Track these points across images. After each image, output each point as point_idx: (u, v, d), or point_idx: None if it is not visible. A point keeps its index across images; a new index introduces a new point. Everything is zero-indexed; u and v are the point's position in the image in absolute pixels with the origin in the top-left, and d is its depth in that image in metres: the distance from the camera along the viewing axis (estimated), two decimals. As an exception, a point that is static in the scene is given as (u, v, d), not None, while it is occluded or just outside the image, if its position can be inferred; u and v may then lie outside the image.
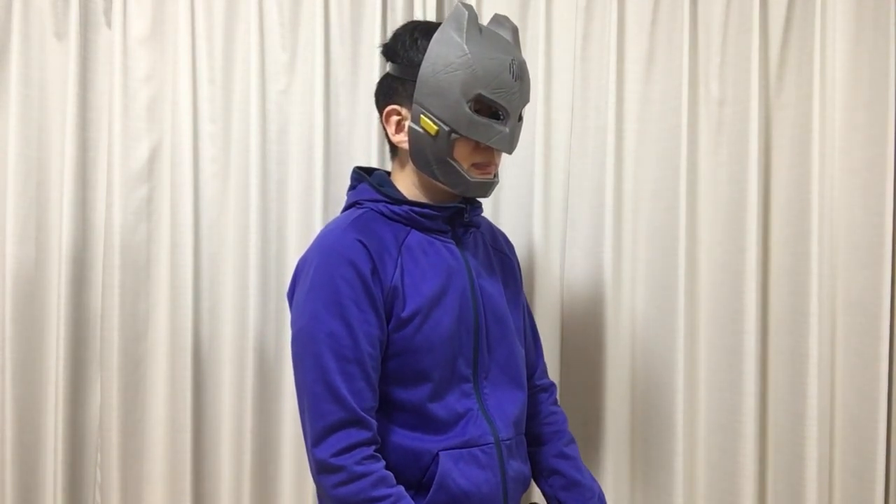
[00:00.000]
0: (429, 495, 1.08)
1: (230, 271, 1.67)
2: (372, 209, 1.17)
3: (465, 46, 1.09)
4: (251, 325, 1.65)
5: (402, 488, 1.06)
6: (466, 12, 1.10)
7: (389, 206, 1.16)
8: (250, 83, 1.65)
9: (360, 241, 1.10)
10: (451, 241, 1.19)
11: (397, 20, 1.67)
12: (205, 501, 1.68)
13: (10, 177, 1.63)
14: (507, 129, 1.12)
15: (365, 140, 1.67)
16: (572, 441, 1.31)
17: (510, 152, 1.15)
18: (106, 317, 1.64)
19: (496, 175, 1.18)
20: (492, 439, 1.14)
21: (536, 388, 1.33)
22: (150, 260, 1.68)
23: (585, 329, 1.66)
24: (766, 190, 1.66)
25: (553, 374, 1.63)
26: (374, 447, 1.06)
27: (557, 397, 1.37)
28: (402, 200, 1.17)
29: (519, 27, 1.65)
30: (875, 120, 1.61)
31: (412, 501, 1.05)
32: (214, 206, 1.68)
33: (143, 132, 1.67)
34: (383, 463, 1.06)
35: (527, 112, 1.65)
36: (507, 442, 1.16)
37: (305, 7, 1.67)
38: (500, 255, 1.31)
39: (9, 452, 1.63)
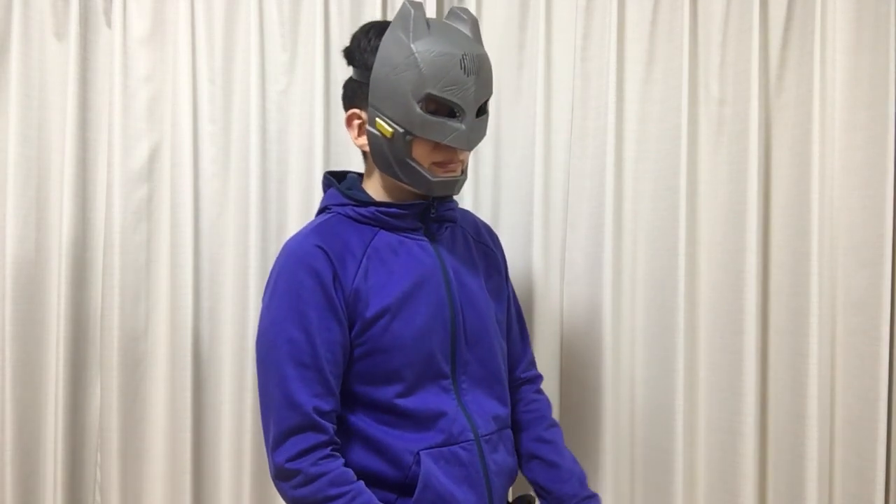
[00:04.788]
0: (416, 495, 1.08)
1: (230, 271, 1.67)
2: (339, 213, 1.18)
3: (412, 46, 1.07)
4: (251, 325, 1.64)
5: (361, 484, 1.06)
6: (412, 10, 1.08)
7: (356, 208, 1.17)
8: (250, 83, 1.65)
9: (319, 247, 1.11)
10: (425, 238, 1.18)
11: (397, 20, 1.67)
12: (205, 501, 1.69)
13: (10, 177, 1.63)
14: (464, 126, 1.09)
15: (365, 140, 1.67)
16: (554, 426, 1.30)
17: (469, 149, 1.13)
18: (106, 317, 1.64)
19: (464, 171, 1.17)
20: (471, 436, 1.13)
21: (521, 381, 1.33)
22: (150, 260, 1.68)
23: (585, 329, 1.66)
24: (766, 190, 1.66)
25: (552, 373, 1.63)
26: (330, 448, 1.06)
27: (541, 386, 1.36)
28: (368, 202, 1.18)
29: (519, 27, 1.68)
30: (875, 120, 1.61)
31: (371, 496, 1.05)
32: (214, 206, 1.68)
33: (143, 132, 1.67)
34: (341, 461, 1.07)
35: (527, 112, 1.67)
36: (488, 437, 1.16)
37: (305, 7, 1.67)
38: (482, 248, 1.30)
39: (9, 453, 1.62)
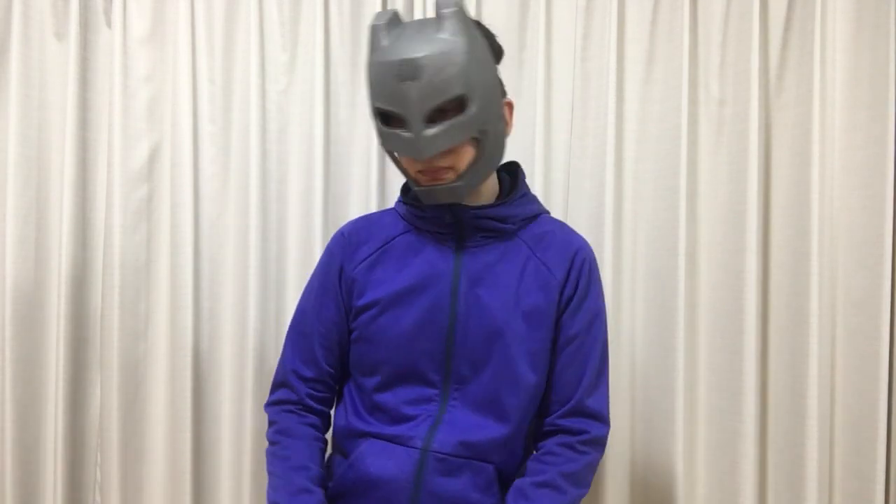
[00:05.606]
0: (342, 469, 1.14)
1: (230, 271, 1.68)
2: (396, 207, 1.26)
3: (369, 59, 1.09)
4: (251, 325, 1.65)
5: (299, 443, 1.17)
6: (372, 23, 1.08)
7: (402, 203, 1.23)
8: (250, 83, 1.65)
9: (342, 233, 1.24)
10: (451, 242, 1.16)
11: (397, 20, 1.67)
12: (205, 501, 1.69)
13: (10, 177, 1.63)
14: (411, 135, 1.04)
15: (365, 140, 1.67)
16: (547, 486, 1.09)
17: (420, 158, 1.06)
18: (106, 317, 1.64)
19: (459, 178, 1.10)
20: (420, 444, 1.10)
21: (554, 427, 1.15)
22: (150, 260, 1.68)
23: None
24: (766, 190, 1.66)
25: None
26: (297, 406, 1.20)
27: (580, 444, 1.13)
28: (405, 200, 1.22)
29: (519, 27, 1.67)
30: (875, 120, 1.61)
31: (299, 454, 1.15)
32: (214, 206, 1.68)
33: (143, 132, 1.67)
34: (301, 419, 1.20)
35: (527, 112, 1.66)
36: (443, 456, 1.09)
37: (305, 7, 1.68)
38: (537, 265, 1.17)
39: (9, 452, 1.63)
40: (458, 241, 1.16)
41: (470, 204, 1.17)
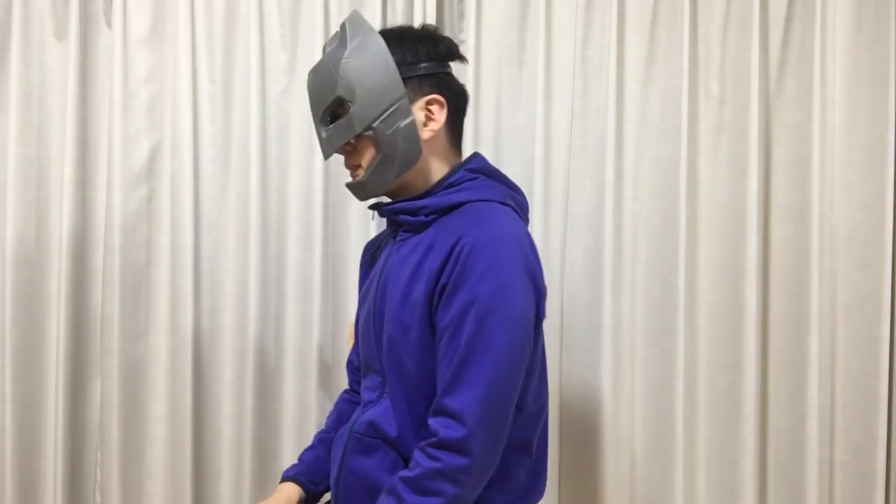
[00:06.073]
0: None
1: (230, 271, 1.68)
2: None
3: None
4: (251, 325, 1.65)
5: (334, 413, 1.33)
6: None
7: None
8: (250, 83, 1.65)
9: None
10: (391, 240, 1.21)
11: (397, 20, 1.67)
12: (205, 501, 1.68)
13: (10, 177, 1.63)
14: (321, 135, 1.16)
15: (365, 140, 1.67)
16: (389, 492, 1.06)
17: (324, 156, 1.19)
18: (106, 317, 1.64)
19: (361, 175, 1.16)
20: (350, 426, 1.17)
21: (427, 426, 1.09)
22: (150, 260, 1.68)
23: (585, 329, 1.66)
24: (766, 190, 1.66)
25: (552, 372, 1.62)
26: (349, 389, 1.36)
27: (430, 447, 1.03)
28: None
29: (519, 27, 1.68)
30: (875, 120, 1.61)
31: (327, 421, 1.33)
32: (214, 206, 1.68)
33: (143, 132, 1.67)
34: (349, 397, 1.34)
35: (527, 112, 1.67)
36: (358, 436, 1.15)
37: (305, 7, 1.68)
38: (430, 258, 1.11)
39: (9, 452, 1.63)
40: (394, 239, 1.20)
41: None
